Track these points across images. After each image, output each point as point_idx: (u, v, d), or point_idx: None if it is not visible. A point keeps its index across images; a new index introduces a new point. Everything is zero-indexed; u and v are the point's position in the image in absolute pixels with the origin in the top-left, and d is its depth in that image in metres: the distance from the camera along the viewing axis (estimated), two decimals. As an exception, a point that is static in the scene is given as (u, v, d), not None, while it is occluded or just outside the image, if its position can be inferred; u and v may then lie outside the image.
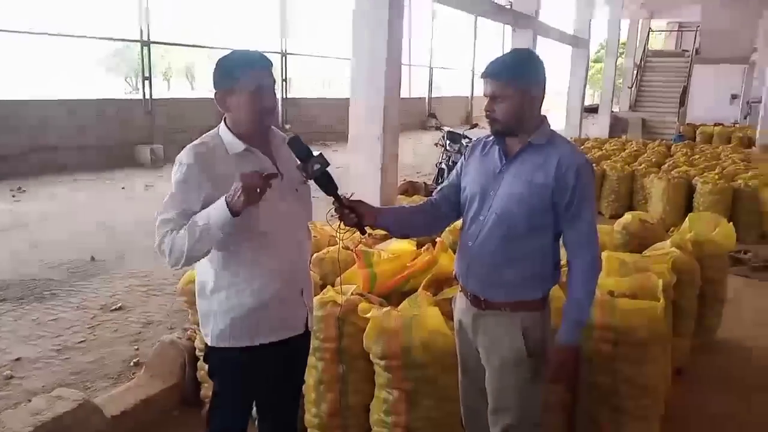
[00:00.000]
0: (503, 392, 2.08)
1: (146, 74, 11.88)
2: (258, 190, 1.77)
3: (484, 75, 1.99)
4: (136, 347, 3.95)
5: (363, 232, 2.09)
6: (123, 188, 9.52)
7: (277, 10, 15.39)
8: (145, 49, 11.85)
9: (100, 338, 4.09)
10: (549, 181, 1.94)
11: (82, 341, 4.03)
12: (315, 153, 1.98)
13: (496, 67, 1.97)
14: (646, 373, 2.63)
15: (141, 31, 11.75)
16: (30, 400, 2.65)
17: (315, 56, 19.44)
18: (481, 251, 2.03)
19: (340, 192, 2.02)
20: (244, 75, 1.89)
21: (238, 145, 1.94)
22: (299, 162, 1.98)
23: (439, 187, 2.27)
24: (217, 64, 1.96)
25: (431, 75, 23.29)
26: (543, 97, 2.03)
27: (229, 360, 2.03)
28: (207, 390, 3.15)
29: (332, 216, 2.02)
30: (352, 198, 2.04)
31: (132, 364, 3.71)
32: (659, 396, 2.74)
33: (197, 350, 3.19)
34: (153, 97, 12.18)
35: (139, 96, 12.56)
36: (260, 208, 1.92)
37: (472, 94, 26.16)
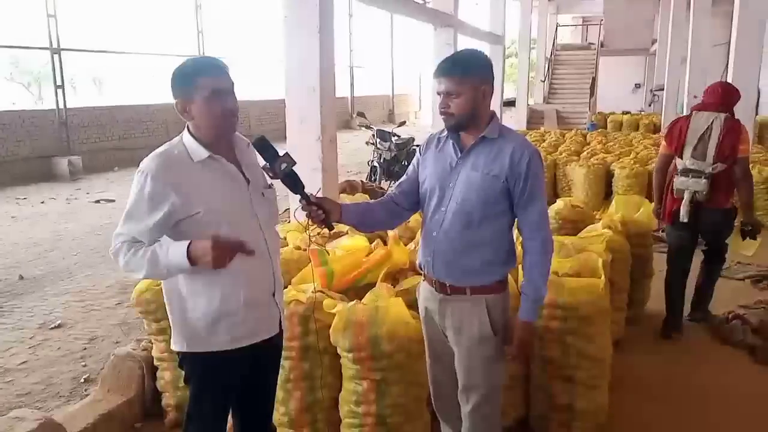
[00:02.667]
0: (472, 370, 2.21)
1: (59, 83, 11.36)
2: (228, 258, 1.84)
3: (437, 74, 2.10)
4: (83, 364, 3.84)
5: (330, 228, 2.16)
6: (42, 203, 9.10)
7: (192, 14, 15.07)
8: (56, 56, 11.34)
9: (44, 358, 3.95)
10: (503, 171, 2.08)
11: (23, 362, 3.88)
12: (281, 153, 2.04)
13: (450, 66, 2.08)
14: (593, 345, 2.84)
15: (50, 38, 11.24)
16: (-14, 425, 2.56)
17: (238, 59, 19.14)
18: (445, 240, 2.15)
19: (306, 190, 2.08)
20: (201, 81, 1.90)
21: (202, 152, 1.95)
22: (265, 162, 2.03)
23: (397, 182, 2.37)
24: (173, 74, 1.95)
25: (352, 74, 23.41)
26: (492, 93, 2.17)
27: (205, 364, 2.04)
28: (168, 399, 3.13)
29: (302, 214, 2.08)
30: (318, 195, 2.11)
31: (83, 380, 3.62)
32: (607, 366, 2.96)
33: (155, 360, 3.16)
34: (66, 106, 11.66)
35: (46, 106, 11.97)
36: (229, 216, 1.96)
37: (393, 92, 26.49)
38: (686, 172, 3.92)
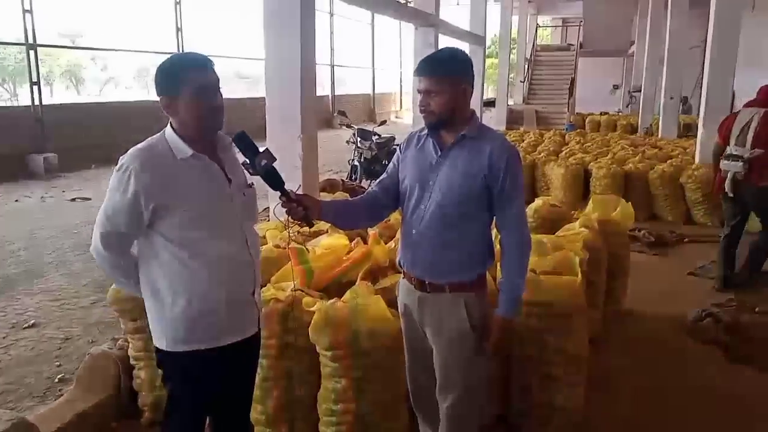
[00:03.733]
0: (450, 368, 2.22)
1: (34, 79, 11.18)
2: None
3: (418, 73, 2.11)
4: (58, 363, 3.78)
5: (310, 225, 2.16)
6: (17, 201, 8.94)
7: (171, 10, 14.91)
8: (32, 52, 11.15)
9: (17, 358, 3.88)
10: (483, 170, 2.09)
11: (-4, 362, 3.82)
12: (261, 149, 2.03)
13: (430, 65, 2.10)
14: (571, 343, 2.87)
15: (26, 34, 11.05)
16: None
17: (218, 56, 19.02)
18: (424, 237, 2.16)
19: (286, 186, 2.08)
20: (187, 77, 1.88)
21: (186, 150, 1.93)
22: (246, 159, 2.02)
23: (378, 180, 2.37)
24: (158, 70, 1.93)
25: (333, 73, 23.36)
26: (472, 92, 2.18)
27: (184, 364, 2.02)
28: (144, 399, 3.10)
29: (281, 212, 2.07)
30: (298, 192, 2.11)
31: (57, 380, 3.56)
32: (584, 363, 2.99)
33: (131, 359, 3.13)
34: (42, 103, 11.48)
35: (20, 102, 11.75)
36: (210, 214, 1.95)
37: (374, 91, 26.49)
38: (729, 156, 4.85)
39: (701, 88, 8.85)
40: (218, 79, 1.96)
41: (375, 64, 27.05)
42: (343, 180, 7.42)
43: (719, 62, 8.16)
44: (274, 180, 2.04)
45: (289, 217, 2.09)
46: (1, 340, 4.16)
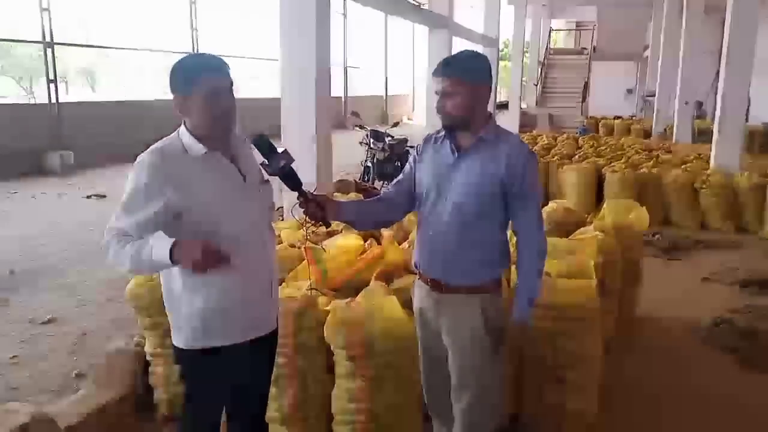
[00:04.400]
0: (465, 370, 2.23)
1: (51, 77, 11.29)
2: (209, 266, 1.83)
3: (437, 74, 2.12)
4: (75, 358, 3.83)
5: (328, 225, 2.19)
6: (33, 198, 9.04)
7: (186, 9, 15.01)
8: (49, 50, 11.27)
9: (35, 352, 3.93)
10: (500, 172, 2.10)
11: (14, 356, 3.86)
12: (279, 149, 2.05)
13: (449, 66, 2.11)
14: (585, 346, 2.88)
15: (43, 32, 11.17)
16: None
17: (233, 57, 19.11)
18: (441, 239, 2.17)
19: (303, 187, 2.10)
20: (200, 79, 1.90)
21: (200, 149, 1.95)
22: (264, 159, 2.04)
23: (394, 181, 2.39)
24: (172, 69, 1.95)
25: (346, 74, 23.41)
26: (490, 95, 2.19)
27: (201, 361, 2.04)
28: (161, 395, 3.14)
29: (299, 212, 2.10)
30: (315, 192, 2.13)
31: (74, 375, 3.60)
32: (597, 367, 2.99)
33: (147, 356, 3.16)
34: (59, 100, 11.59)
35: (36, 100, 11.85)
36: (225, 212, 1.97)
37: (387, 93, 26.52)
38: None
39: (716, 93, 8.80)
40: (232, 82, 1.97)
41: (388, 65, 27.08)
42: (356, 181, 7.44)
43: (735, 68, 8.11)
44: (293, 180, 2.06)
45: (307, 218, 2.11)
46: (19, 335, 4.21)
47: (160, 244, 1.83)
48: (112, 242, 1.90)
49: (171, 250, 1.81)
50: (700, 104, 17.30)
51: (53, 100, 11.47)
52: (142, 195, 1.88)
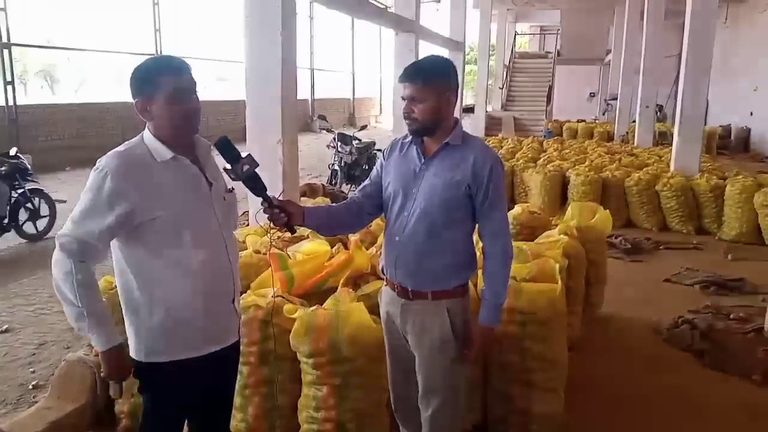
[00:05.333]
0: (433, 375, 2.22)
1: (8, 79, 10.98)
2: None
3: (403, 79, 2.11)
4: (32, 370, 3.72)
5: (292, 231, 2.15)
6: (-11, 203, 8.75)
7: (149, 10, 14.76)
8: (6, 51, 10.96)
9: (-11, 363, 3.80)
10: (466, 178, 2.10)
11: (-32, 368, 3.73)
12: (243, 154, 2.01)
13: (415, 71, 2.10)
14: (551, 349, 2.89)
15: (0, 33, 10.86)
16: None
17: (198, 59, 18.84)
18: (408, 244, 2.16)
19: (268, 192, 2.06)
20: (163, 80, 1.85)
21: (166, 153, 1.89)
22: (227, 164, 2.00)
23: (361, 186, 2.37)
24: (133, 73, 1.90)
25: (313, 77, 23.33)
26: (457, 100, 2.19)
27: (161, 374, 1.98)
28: (121, 406, 3.05)
29: (263, 217, 2.06)
30: (280, 198, 2.09)
31: (31, 387, 3.50)
32: (563, 369, 3.01)
33: (108, 366, 3.07)
34: (17, 103, 11.28)
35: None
36: (190, 220, 1.92)
37: (354, 95, 26.50)
38: None
39: (676, 97, 9.01)
40: (195, 83, 1.93)
41: (355, 68, 27.07)
42: (323, 184, 7.40)
43: (694, 72, 8.32)
44: (257, 185, 2.02)
45: (271, 224, 2.07)
46: (-28, 345, 4.07)
47: (100, 332, 1.88)
48: (66, 259, 1.80)
49: (103, 351, 1.90)
50: (660, 107, 17.73)
51: (11, 102, 11.15)
52: (105, 202, 1.80)
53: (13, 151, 7.13)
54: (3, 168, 6.67)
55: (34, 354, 3.94)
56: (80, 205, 1.84)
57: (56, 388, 3.10)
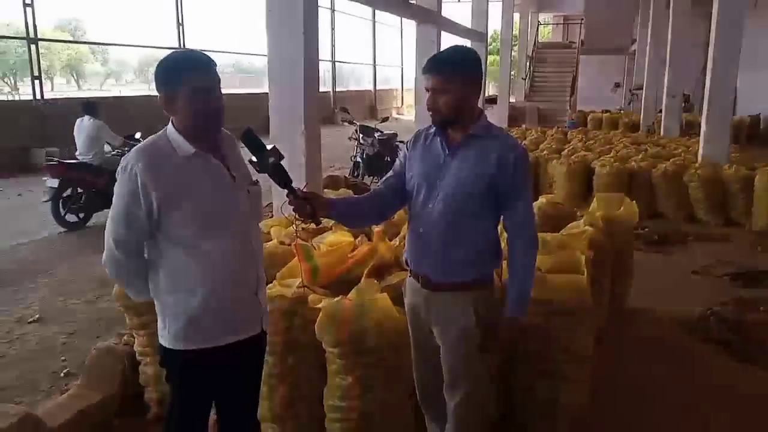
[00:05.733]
0: (458, 366, 2.22)
1: (36, 73, 11.17)
2: None
3: (427, 71, 2.10)
4: (63, 358, 3.80)
5: (317, 223, 2.16)
6: (20, 195, 8.95)
7: (172, 4, 14.87)
8: (33, 46, 11.14)
9: (22, 352, 3.90)
10: (491, 169, 2.09)
11: (1, 357, 3.83)
12: (268, 146, 2.02)
13: (438, 63, 2.09)
14: (577, 341, 2.87)
15: (27, 28, 11.03)
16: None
17: (221, 52, 18.96)
18: (432, 236, 2.16)
19: (293, 184, 2.07)
20: (186, 77, 1.87)
21: (188, 148, 1.92)
22: (252, 156, 2.01)
23: (384, 177, 2.37)
24: (158, 67, 1.91)
25: (334, 69, 23.34)
26: (480, 91, 2.18)
27: (187, 362, 2.01)
28: (150, 394, 3.11)
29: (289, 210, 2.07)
30: (305, 190, 2.10)
31: (62, 375, 3.58)
32: (589, 361, 2.99)
33: (137, 354, 3.13)
34: (44, 97, 11.47)
35: (20, 97, 11.73)
36: (214, 213, 1.94)
37: (375, 87, 26.47)
38: None
39: (703, 86, 8.84)
40: (219, 80, 1.94)
41: (376, 60, 27.02)
42: (345, 177, 7.41)
43: (722, 61, 8.15)
44: (282, 177, 2.04)
45: (296, 215, 2.08)
46: (5, 334, 4.17)
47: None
48: (123, 258, 1.94)
49: None
50: (687, 97, 17.40)
51: (38, 97, 11.35)
52: (135, 198, 1.85)
53: (138, 135, 7.72)
54: (127, 149, 6.94)
55: (64, 343, 4.03)
56: (115, 206, 1.90)
57: (87, 377, 3.16)
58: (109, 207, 1.96)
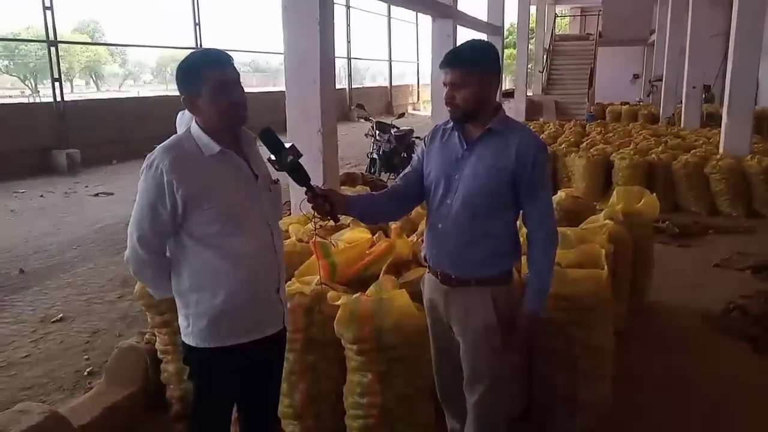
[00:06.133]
0: (478, 362, 2.21)
1: (56, 76, 11.32)
2: None
3: (444, 65, 2.09)
4: (86, 357, 3.85)
5: (336, 221, 2.17)
6: (41, 196, 9.08)
7: (188, 4, 14.97)
8: (53, 49, 11.28)
9: (46, 351, 3.95)
10: (510, 164, 2.08)
11: (26, 356, 3.89)
12: (287, 145, 2.03)
13: (456, 57, 2.08)
14: (597, 336, 2.85)
15: (47, 31, 11.18)
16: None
17: (238, 50, 19.04)
18: (450, 232, 2.15)
19: (311, 182, 2.08)
20: (206, 75, 1.88)
21: (213, 147, 1.93)
22: (271, 154, 2.02)
23: (402, 173, 2.36)
24: (179, 68, 1.94)
25: (350, 66, 23.36)
26: (498, 85, 2.16)
27: (210, 360, 2.03)
28: (172, 392, 3.13)
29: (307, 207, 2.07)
30: (323, 187, 2.11)
31: (86, 373, 3.62)
32: (610, 356, 2.97)
33: (159, 353, 3.16)
34: (64, 99, 11.62)
35: (40, 99, 11.91)
36: (238, 212, 1.96)
37: (391, 83, 26.44)
38: None
39: (724, 77, 8.71)
40: (238, 75, 1.96)
41: (392, 56, 26.98)
42: (362, 173, 7.42)
43: (743, 50, 8.02)
44: (300, 175, 2.04)
45: (315, 213, 2.09)
46: (31, 333, 4.24)
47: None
48: (146, 256, 1.95)
49: None
50: (708, 88, 17.14)
51: (58, 99, 11.50)
52: (159, 195, 1.87)
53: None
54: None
55: (87, 342, 4.08)
56: (139, 203, 1.91)
57: (110, 375, 3.21)
58: None
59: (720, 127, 8.90)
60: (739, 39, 8.01)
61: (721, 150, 8.31)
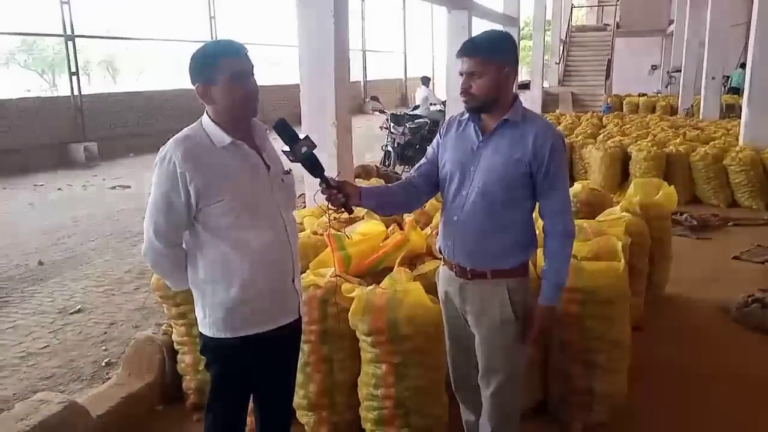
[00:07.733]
0: (493, 354, 2.20)
1: (73, 70, 11.41)
2: None
3: (461, 54, 2.07)
4: (104, 348, 3.89)
5: (350, 212, 2.16)
6: (60, 189, 9.18)
7: (204, -2, 15.01)
8: (70, 43, 11.37)
9: (65, 342, 4.00)
10: (526, 156, 2.05)
11: (45, 346, 3.94)
12: (301, 136, 2.02)
13: (473, 45, 2.06)
14: (613, 329, 2.83)
15: (64, 25, 11.26)
16: (11, 407, 2.60)
17: (252, 44, 19.05)
18: (466, 224, 2.13)
19: (325, 173, 2.07)
20: (222, 65, 1.88)
21: (225, 138, 1.93)
22: (285, 145, 2.02)
23: (417, 165, 2.35)
24: (192, 58, 1.94)
25: (365, 58, 23.29)
26: (515, 75, 2.14)
27: (226, 350, 2.05)
28: (189, 383, 3.16)
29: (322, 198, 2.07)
30: (337, 179, 2.10)
31: (104, 364, 3.67)
32: (626, 349, 2.94)
33: (175, 344, 3.19)
34: (81, 93, 11.72)
35: (58, 93, 12.03)
36: (251, 202, 1.96)
37: (406, 76, 26.34)
38: None
39: (744, 67, 8.57)
40: (252, 65, 1.95)
41: (407, 48, 26.86)
42: (377, 166, 7.41)
43: (764, 41, 7.88)
44: (315, 167, 2.03)
45: (329, 204, 2.08)
46: (50, 324, 4.29)
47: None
48: (163, 248, 1.97)
49: None
50: (727, 79, 16.89)
51: (75, 93, 11.59)
52: (174, 188, 1.88)
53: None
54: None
55: (105, 333, 4.13)
56: (153, 196, 1.92)
57: (127, 366, 3.24)
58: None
59: (739, 118, 8.76)
60: (760, 29, 7.87)
61: (740, 142, 8.19)
